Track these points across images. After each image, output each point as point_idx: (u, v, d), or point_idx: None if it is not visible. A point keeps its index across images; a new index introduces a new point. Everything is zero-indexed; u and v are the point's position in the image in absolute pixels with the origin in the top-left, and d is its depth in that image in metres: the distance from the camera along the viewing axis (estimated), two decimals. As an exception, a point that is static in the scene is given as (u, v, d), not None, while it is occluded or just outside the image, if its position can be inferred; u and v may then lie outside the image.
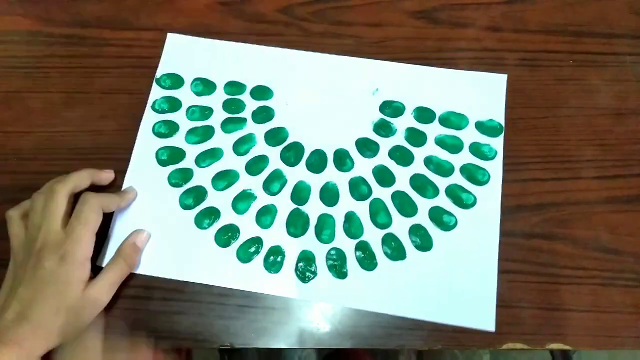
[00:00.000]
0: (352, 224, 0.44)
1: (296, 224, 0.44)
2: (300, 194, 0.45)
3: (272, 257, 0.43)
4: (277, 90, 0.49)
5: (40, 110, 0.49)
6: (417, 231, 0.44)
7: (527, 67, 0.49)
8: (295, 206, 0.45)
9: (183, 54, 0.50)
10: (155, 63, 0.50)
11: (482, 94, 0.48)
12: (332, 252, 0.43)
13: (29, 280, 0.38)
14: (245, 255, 0.43)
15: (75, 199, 0.41)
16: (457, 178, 0.46)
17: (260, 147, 0.47)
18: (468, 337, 0.41)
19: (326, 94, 0.49)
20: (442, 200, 0.45)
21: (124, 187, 0.45)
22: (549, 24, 0.51)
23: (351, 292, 0.42)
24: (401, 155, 0.47)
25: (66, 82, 0.50)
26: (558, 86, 0.49)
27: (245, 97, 0.49)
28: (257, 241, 0.44)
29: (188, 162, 0.47)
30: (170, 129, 0.48)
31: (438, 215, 0.44)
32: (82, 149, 0.47)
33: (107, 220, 0.43)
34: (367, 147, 0.47)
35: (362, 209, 0.45)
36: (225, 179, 0.46)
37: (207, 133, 0.48)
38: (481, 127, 0.47)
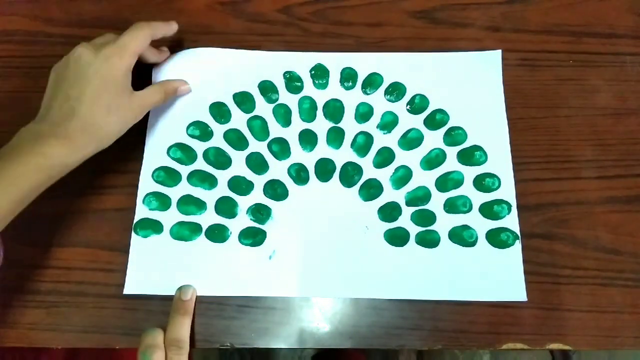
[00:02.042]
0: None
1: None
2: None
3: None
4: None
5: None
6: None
7: (527, 67, 0.49)
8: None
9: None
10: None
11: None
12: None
13: (74, 78, 0.38)
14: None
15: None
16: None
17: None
18: (468, 337, 0.41)
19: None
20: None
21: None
22: (549, 24, 0.51)
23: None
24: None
25: (66, 82, 0.49)
26: (558, 86, 0.49)
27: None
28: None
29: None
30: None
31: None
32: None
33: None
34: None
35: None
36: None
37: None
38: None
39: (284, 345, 0.42)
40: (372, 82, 0.49)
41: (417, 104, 0.48)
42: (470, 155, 0.46)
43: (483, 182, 0.45)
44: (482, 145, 0.46)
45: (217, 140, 0.47)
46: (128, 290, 0.42)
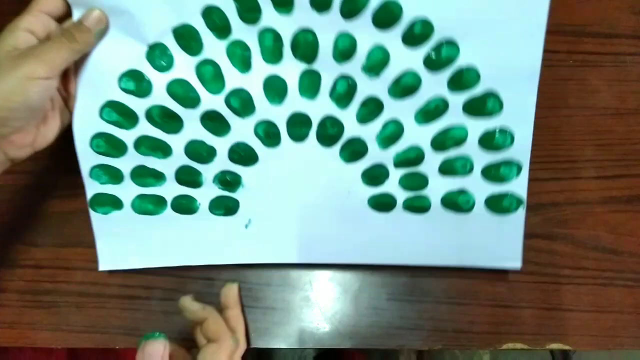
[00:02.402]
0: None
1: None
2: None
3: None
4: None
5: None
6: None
7: (527, 67, 0.49)
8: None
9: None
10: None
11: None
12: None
13: None
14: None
15: None
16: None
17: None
18: (468, 337, 0.41)
19: None
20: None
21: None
22: (549, 23, 0.51)
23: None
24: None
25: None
26: (558, 86, 0.49)
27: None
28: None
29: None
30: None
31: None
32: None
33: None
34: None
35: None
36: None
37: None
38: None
39: (284, 345, 0.42)
40: (354, 0, 0.35)
41: (417, 33, 0.35)
42: (481, 105, 0.37)
43: (492, 140, 0.38)
44: (499, 90, 0.36)
45: (160, 96, 0.37)
46: (102, 267, 0.41)
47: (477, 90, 0.37)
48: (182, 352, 0.38)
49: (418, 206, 0.40)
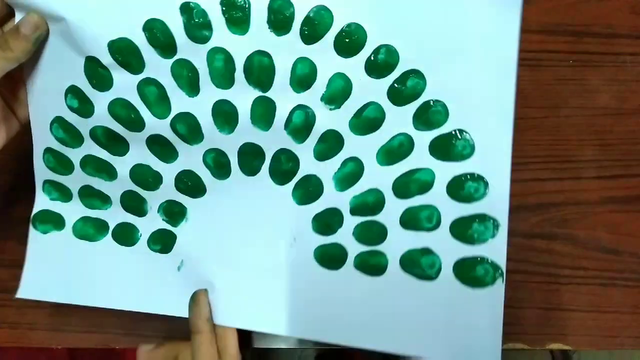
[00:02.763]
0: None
1: None
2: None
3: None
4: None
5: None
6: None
7: (527, 67, 0.49)
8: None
9: None
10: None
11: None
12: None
13: None
14: None
15: None
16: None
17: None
18: (468, 337, 0.41)
19: None
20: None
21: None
22: (549, 23, 0.51)
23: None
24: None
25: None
26: (558, 86, 0.49)
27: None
28: None
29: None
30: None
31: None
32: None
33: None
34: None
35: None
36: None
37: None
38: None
39: (284, 346, 0.42)
40: (316, 22, 0.31)
41: (381, 61, 0.32)
42: (449, 146, 0.32)
43: (462, 187, 0.32)
44: (469, 130, 0.32)
45: (102, 117, 0.34)
46: (22, 294, 0.37)
47: (445, 129, 0.32)
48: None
49: (372, 264, 0.33)
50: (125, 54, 0.32)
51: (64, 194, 0.37)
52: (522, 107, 0.47)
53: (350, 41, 0.32)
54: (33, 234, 0.37)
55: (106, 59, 0.32)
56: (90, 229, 0.37)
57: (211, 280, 0.35)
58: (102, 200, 0.37)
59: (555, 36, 0.51)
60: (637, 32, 0.51)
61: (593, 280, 0.43)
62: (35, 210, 0.37)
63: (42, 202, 0.37)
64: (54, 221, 0.37)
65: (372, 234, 0.34)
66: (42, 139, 0.35)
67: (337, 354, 0.86)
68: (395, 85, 0.32)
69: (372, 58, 0.32)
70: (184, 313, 0.36)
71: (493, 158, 0.32)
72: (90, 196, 0.37)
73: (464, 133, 0.32)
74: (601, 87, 0.49)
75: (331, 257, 0.34)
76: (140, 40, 0.32)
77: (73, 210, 0.37)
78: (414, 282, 0.32)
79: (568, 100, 0.48)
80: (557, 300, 0.42)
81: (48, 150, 0.36)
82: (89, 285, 0.37)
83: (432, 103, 0.32)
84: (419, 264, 0.33)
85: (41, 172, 0.36)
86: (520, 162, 0.46)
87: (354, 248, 0.34)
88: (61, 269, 0.37)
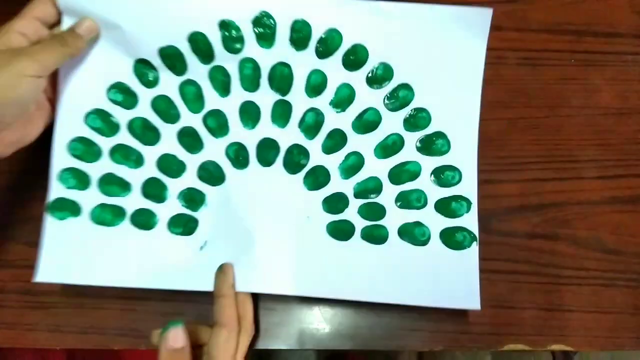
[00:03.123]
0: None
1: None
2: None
3: None
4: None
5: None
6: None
7: (529, 66, 0.49)
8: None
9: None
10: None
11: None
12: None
13: None
14: None
15: None
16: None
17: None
18: (469, 338, 0.41)
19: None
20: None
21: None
22: (550, 23, 0.51)
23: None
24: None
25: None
26: (559, 85, 0.48)
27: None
28: None
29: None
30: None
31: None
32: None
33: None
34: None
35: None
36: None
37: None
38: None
39: (284, 346, 0.42)
40: (328, 41, 0.40)
41: (379, 76, 0.41)
42: (432, 144, 0.41)
43: (442, 175, 0.41)
44: (446, 132, 0.41)
45: (144, 109, 0.40)
46: (40, 278, 0.39)
47: (429, 131, 0.41)
48: (204, 328, 0.38)
49: (376, 235, 0.40)
50: (172, 58, 0.39)
51: (82, 181, 0.40)
52: (523, 106, 0.48)
53: (355, 58, 0.40)
54: (49, 220, 0.39)
55: (156, 61, 0.39)
56: (108, 215, 0.40)
57: (232, 256, 0.40)
58: (122, 187, 0.40)
59: (556, 35, 0.50)
60: (638, 31, 0.50)
61: (594, 281, 0.43)
62: (50, 198, 0.40)
63: (57, 190, 0.40)
64: (71, 208, 0.40)
65: (374, 212, 0.41)
66: (71, 128, 0.40)
67: (339, 357, 0.86)
68: (390, 95, 0.41)
69: (372, 72, 0.41)
70: (205, 287, 0.39)
71: (465, 154, 0.41)
72: (110, 183, 0.40)
73: (443, 134, 0.41)
74: (603, 86, 0.48)
75: (341, 231, 0.41)
76: (185, 48, 0.39)
77: (89, 198, 0.40)
78: (410, 248, 0.40)
79: (569, 100, 0.48)
80: (559, 301, 0.42)
81: (77, 140, 0.40)
82: (107, 266, 0.39)
83: (418, 110, 0.41)
84: (413, 234, 0.41)
85: (62, 160, 0.40)
86: (522, 162, 0.46)
87: (360, 223, 0.41)
88: (79, 252, 0.39)
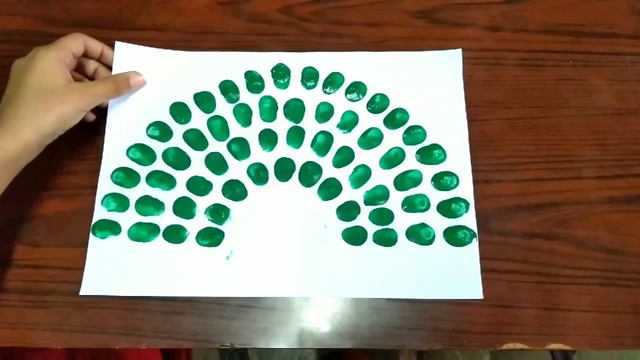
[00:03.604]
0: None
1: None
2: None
3: None
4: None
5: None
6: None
7: (527, 67, 0.49)
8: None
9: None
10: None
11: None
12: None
13: (15, 75, 0.42)
14: None
15: None
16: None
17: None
18: (468, 337, 0.41)
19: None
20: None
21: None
22: (549, 23, 0.51)
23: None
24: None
25: (66, 82, 0.49)
26: (558, 86, 0.49)
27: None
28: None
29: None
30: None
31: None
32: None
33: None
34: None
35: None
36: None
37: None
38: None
39: (284, 345, 0.42)
40: (333, 81, 0.49)
41: (378, 103, 0.48)
42: (429, 154, 0.46)
43: (441, 181, 0.46)
44: (441, 144, 0.47)
45: (177, 141, 0.47)
46: (84, 291, 0.42)
47: (426, 143, 0.47)
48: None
49: (386, 238, 0.44)
50: (205, 101, 0.49)
51: (122, 205, 0.45)
52: (522, 107, 0.48)
53: (356, 90, 0.49)
54: (93, 240, 0.44)
55: (190, 103, 0.48)
56: (144, 232, 0.44)
57: (257, 264, 0.43)
58: (156, 207, 0.45)
59: (555, 36, 0.51)
60: (636, 32, 0.51)
61: (593, 280, 0.43)
62: (94, 220, 0.45)
63: (99, 213, 0.45)
64: (111, 228, 0.44)
65: (383, 217, 0.45)
66: (115, 161, 0.46)
67: (339, 356, 0.86)
68: (388, 117, 0.48)
69: (371, 101, 0.49)
70: (232, 293, 0.42)
71: (459, 160, 0.47)
72: (146, 204, 0.45)
73: (438, 146, 0.47)
74: (601, 87, 0.49)
75: (355, 236, 0.44)
76: (215, 92, 0.49)
77: (128, 218, 0.45)
78: (417, 247, 0.44)
79: (568, 100, 0.48)
80: (557, 300, 0.42)
81: (119, 169, 0.46)
82: (144, 278, 0.43)
83: (414, 128, 0.48)
84: (419, 235, 0.44)
85: (105, 187, 0.46)
86: (521, 162, 0.46)
87: (371, 228, 0.45)
88: (118, 266, 0.43)
